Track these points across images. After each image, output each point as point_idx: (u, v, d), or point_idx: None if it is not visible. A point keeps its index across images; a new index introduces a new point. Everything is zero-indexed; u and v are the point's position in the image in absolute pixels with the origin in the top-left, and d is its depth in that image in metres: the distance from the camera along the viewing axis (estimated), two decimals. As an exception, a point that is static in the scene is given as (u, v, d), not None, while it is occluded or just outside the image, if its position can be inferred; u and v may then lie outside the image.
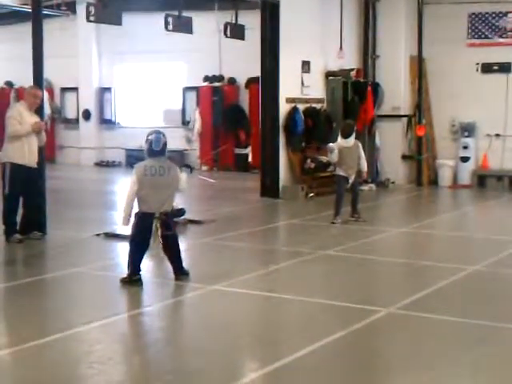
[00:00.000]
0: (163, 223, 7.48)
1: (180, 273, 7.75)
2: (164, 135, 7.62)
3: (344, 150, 11.25)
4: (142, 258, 7.64)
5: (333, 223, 11.22)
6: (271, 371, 5.28)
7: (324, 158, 14.01)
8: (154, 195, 7.45)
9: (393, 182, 16.47)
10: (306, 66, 15.05)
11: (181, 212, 10.77)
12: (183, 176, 7.66)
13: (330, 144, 11.48)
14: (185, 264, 7.90)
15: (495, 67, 16.34)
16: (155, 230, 7.46)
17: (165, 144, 7.53)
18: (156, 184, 7.46)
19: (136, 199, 7.56)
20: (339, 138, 11.43)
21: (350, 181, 11.36)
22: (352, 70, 16.06)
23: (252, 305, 7.26)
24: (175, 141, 19.46)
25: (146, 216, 7.49)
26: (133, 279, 7.53)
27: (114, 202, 14.96)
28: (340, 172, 11.41)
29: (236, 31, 14.20)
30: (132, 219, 7.68)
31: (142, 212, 7.53)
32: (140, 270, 7.61)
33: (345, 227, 11.10)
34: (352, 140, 11.39)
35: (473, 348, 5.83)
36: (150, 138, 7.56)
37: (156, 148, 7.51)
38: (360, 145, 11.61)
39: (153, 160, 7.53)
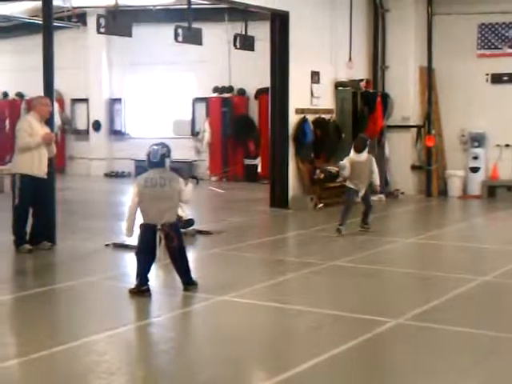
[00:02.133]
0: (166, 235, 7.52)
1: (187, 283, 7.76)
2: (164, 146, 7.65)
3: (356, 164, 11.21)
4: (149, 268, 7.65)
5: (338, 230, 11.12)
6: (280, 382, 5.26)
7: (333, 169, 14.00)
8: (154, 206, 7.50)
9: (402, 193, 16.44)
10: (315, 76, 15.08)
11: (189, 222, 10.80)
12: (188, 187, 7.69)
13: (341, 162, 11.45)
14: (193, 274, 7.90)
15: (505, 78, 16.33)
16: (159, 241, 7.51)
17: (163, 155, 7.56)
18: (156, 195, 7.50)
19: (140, 211, 7.60)
20: (352, 152, 11.37)
21: (360, 194, 11.32)
22: (361, 80, 16.08)
23: (261, 315, 7.25)
24: (185, 151, 19.60)
25: (148, 227, 7.56)
26: (141, 290, 7.55)
27: (123, 212, 14.98)
28: (351, 185, 11.35)
29: (245, 42, 14.25)
30: (136, 231, 7.73)
31: (145, 224, 7.60)
32: (148, 281, 7.62)
33: (354, 238, 11.08)
34: (365, 155, 11.32)
35: (483, 359, 5.80)
36: (148, 150, 7.65)
37: (154, 159, 7.57)
38: (373, 159, 11.54)
39: (153, 171, 7.60)
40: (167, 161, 7.58)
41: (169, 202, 7.55)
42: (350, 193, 11.37)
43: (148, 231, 7.53)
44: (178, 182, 7.61)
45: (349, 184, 11.38)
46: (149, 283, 7.62)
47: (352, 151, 11.40)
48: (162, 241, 7.58)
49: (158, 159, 7.56)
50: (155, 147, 7.63)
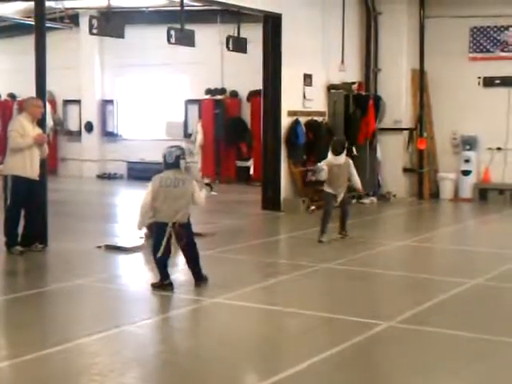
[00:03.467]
0: (176, 233, 7.79)
1: (198, 278, 8.05)
2: (180, 149, 8.02)
3: (334, 167, 10.76)
4: (166, 264, 7.91)
5: (320, 241, 10.82)
6: (271, 384, 5.28)
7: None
8: (167, 205, 7.79)
9: (394, 195, 16.48)
10: (307, 79, 15.10)
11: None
12: (202, 192, 8.02)
13: (319, 164, 11.02)
14: (185, 276, 8.03)
15: (497, 81, 16.38)
16: (168, 238, 7.78)
17: (177, 157, 7.84)
18: (170, 194, 7.76)
19: (153, 209, 7.87)
20: (329, 155, 10.93)
21: (339, 199, 10.93)
22: (354, 83, 16.11)
23: (252, 318, 7.26)
24: (177, 153, 19.55)
25: (161, 225, 7.82)
26: (165, 283, 7.85)
27: (115, 214, 14.99)
28: (329, 189, 10.91)
29: (238, 44, 14.26)
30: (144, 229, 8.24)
31: (158, 221, 7.87)
32: (169, 276, 7.91)
33: (345, 240, 11.06)
34: (343, 157, 10.91)
35: (473, 362, 5.82)
36: (164, 152, 7.96)
37: (169, 160, 7.85)
38: (351, 162, 11.12)
39: (168, 172, 7.85)
40: (182, 162, 7.88)
41: (182, 201, 7.83)
42: (329, 199, 10.97)
43: (161, 229, 7.79)
44: (192, 183, 7.93)
45: (327, 189, 10.94)
46: (171, 278, 7.90)
47: (330, 154, 10.94)
48: (171, 238, 7.87)
49: (173, 160, 7.87)
50: (170, 149, 7.96)
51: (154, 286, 7.92)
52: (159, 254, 7.79)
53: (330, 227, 11.01)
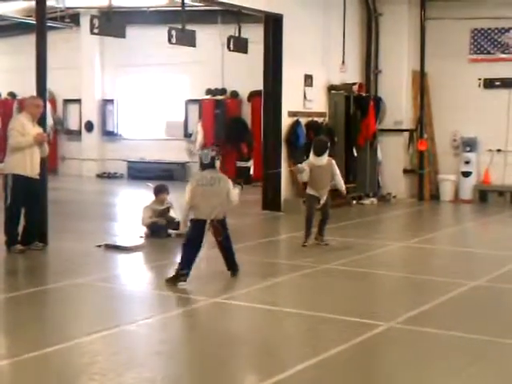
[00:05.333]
0: (214, 230, 8.19)
1: (233, 269, 8.53)
2: (214, 150, 8.42)
3: (316, 168, 10.41)
4: (193, 259, 8.16)
5: (304, 246, 10.56)
6: (271, 384, 5.27)
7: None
8: (204, 203, 8.16)
9: (394, 196, 16.49)
10: (308, 79, 15.10)
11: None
12: (235, 190, 8.38)
13: (299, 165, 10.74)
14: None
15: (497, 83, 16.39)
16: (204, 234, 8.17)
17: (213, 158, 8.24)
18: (206, 193, 8.17)
19: (192, 207, 8.24)
20: (311, 156, 10.58)
21: (322, 201, 10.60)
22: (354, 84, 16.10)
23: (252, 318, 7.25)
24: (177, 153, 19.60)
25: (198, 222, 8.17)
26: (179, 273, 8.03)
27: (115, 213, 14.98)
28: (311, 192, 10.57)
29: (239, 44, 14.25)
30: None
31: (195, 218, 8.21)
32: (189, 270, 8.09)
33: (346, 241, 11.06)
34: (325, 158, 10.49)
35: (474, 363, 5.81)
36: (200, 154, 8.50)
37: (205, 161, 8.28)
38: (334, 162, 10.64)
39: (205, 172, 8.30)
40: (217, 162, 8.28)
41: (218, 199, 8.22)
42: (311, 201, 10.60)
43: (198, 225, 8.16)
44: (227, 182, 8.35)
45: (309, 191, 10.60)
46: (190, 272, 8.10)
47: (311, 154, 10.59)
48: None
49: (208, 161, 8.27)
50: (206, 151, 8.43)
51: (168, 280, 8.07)
52: (192, 248, 8.11)
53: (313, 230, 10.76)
